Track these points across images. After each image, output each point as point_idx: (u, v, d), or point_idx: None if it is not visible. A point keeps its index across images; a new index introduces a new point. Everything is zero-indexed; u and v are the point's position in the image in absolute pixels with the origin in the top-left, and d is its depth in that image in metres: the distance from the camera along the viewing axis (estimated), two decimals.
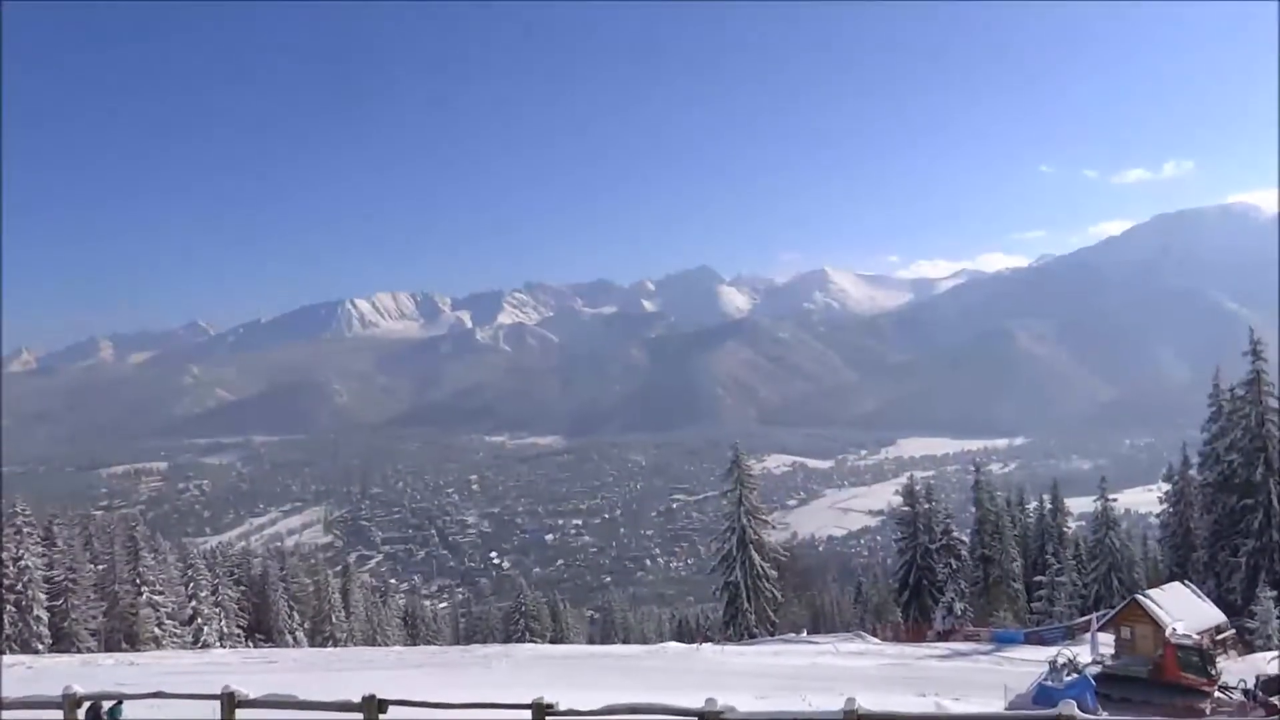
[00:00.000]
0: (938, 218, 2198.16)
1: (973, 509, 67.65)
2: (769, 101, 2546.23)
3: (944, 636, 55.25)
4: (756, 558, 63.16)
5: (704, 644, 54.67)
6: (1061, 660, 23.53)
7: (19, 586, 64.37)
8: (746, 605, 62.62)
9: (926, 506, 65.54)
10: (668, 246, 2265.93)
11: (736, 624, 63.00)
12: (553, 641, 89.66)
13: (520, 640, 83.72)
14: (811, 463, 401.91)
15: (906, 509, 66.28)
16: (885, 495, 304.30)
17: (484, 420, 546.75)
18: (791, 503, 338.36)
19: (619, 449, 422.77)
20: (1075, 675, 22.69)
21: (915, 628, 60.75)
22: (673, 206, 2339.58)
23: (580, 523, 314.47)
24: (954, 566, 61.62)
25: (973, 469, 73.79)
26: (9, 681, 33.53)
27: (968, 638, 52.66)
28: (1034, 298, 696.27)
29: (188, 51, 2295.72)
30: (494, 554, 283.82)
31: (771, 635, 60.43)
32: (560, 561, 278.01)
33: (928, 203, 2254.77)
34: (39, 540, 67.94)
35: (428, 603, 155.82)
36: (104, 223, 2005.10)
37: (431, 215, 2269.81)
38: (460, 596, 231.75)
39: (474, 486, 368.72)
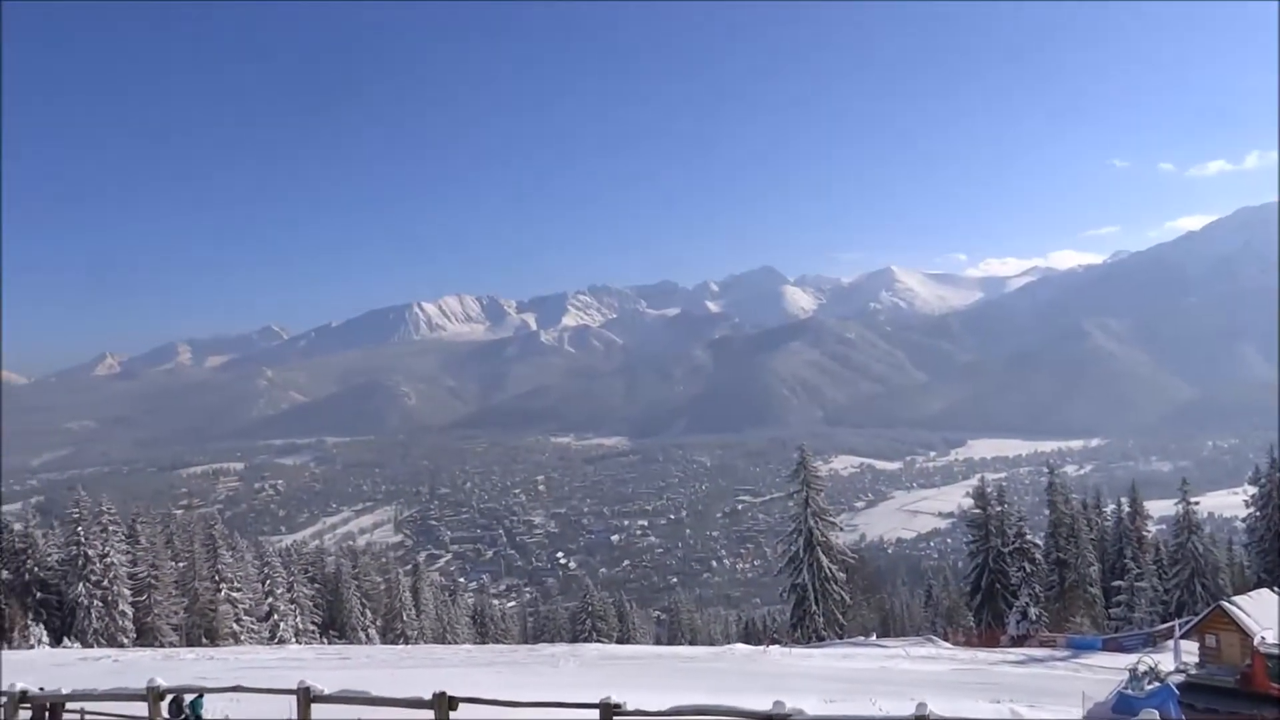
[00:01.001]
0: (1007, 215, 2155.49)
1: (1047, 512, 66.14)
2: (832, 101, 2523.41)
3: (1018, 642, 54.15)
4: (824, 560, 62.56)
5: (771, 646, 54.32)
6: (1143, 668, 22.82)
7: (105, 582, 66.70)
8: (814, 608, 62.07)
9: (998, 509, 64.23)
10: (731, 248, 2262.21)
11: (804, 626, 62.48)
12: (619, 642, 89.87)
13: (587, 640, 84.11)
14: (879, 464, 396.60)
15: (978, 511, 65.06)
16: (955, 497, 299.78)
17: (549, 421, 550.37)
18: (859, 505, 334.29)
19: (684, 450, 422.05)
20: (1158, 684, 21.98)
21: (988, 633, 59.58)
22: (736, 208, 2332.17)
23: (646, 523, 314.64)
24: (1028, 570, 60.25)
25: (1046, 471, 71.95)
26: (97, 674, 34.79)
27: (1043, 643, 51.53)
28: (1109, 295, 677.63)
29: (254, 64, 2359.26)
30: (560, 554, 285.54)
31: (840, 638, 59.83)
32: (626, 562, 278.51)
33: (997, 200, 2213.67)
34: (123, 538, 70.34)
35: (496, 602, 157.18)
36: (182, 230, 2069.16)
37: (496, 220, 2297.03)
38: (528, 596, 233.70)
39: (540, 487, 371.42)
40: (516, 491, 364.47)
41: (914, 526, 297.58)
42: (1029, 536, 62.63)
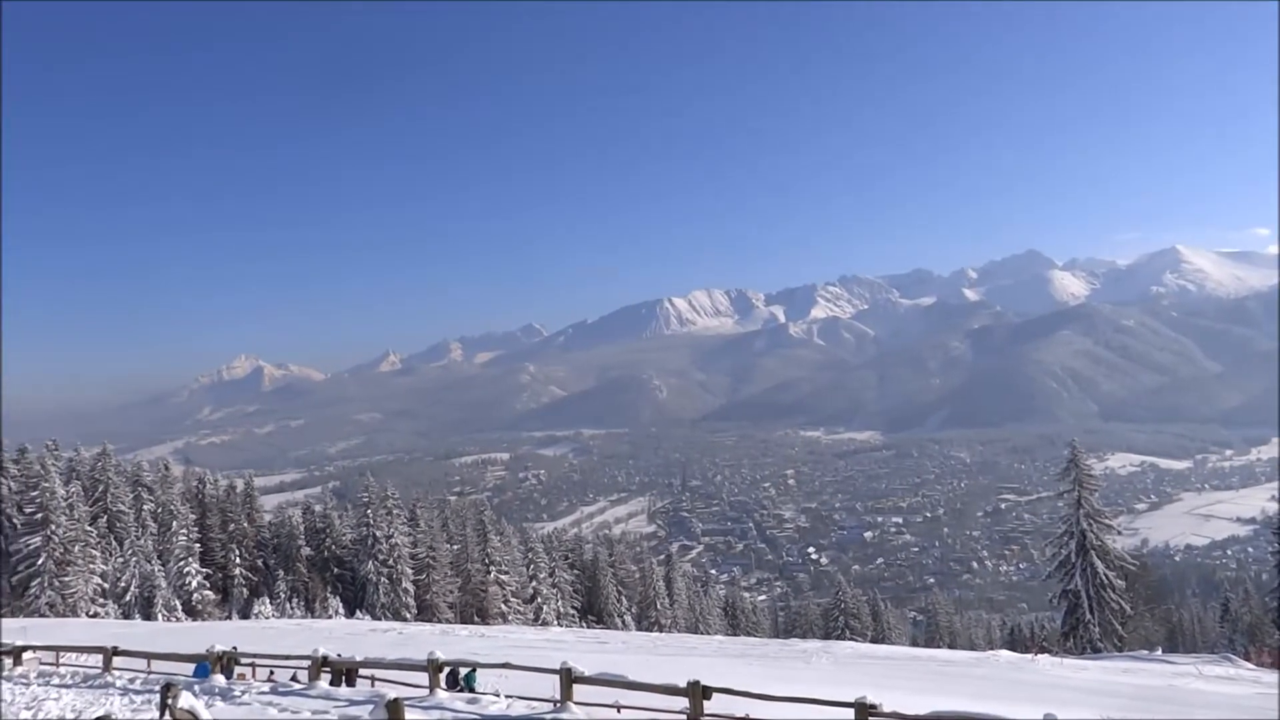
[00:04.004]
0: None
1: None
2: (1102, 69, 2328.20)
3: None
4: (1100, 565, 57.94)
5: (1040, 655, 51.07)
6: None
7: (390, 561, 73.20)
8: (1088, 616, 57.65)
9: None
10: (990, 232, 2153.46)
11: (1077, 636, 58.21)
12: (873, 641, 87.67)
13: (840, 637, 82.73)
14: (1164, 463, 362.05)
15: None
16: (1258, 501, 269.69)
17: (798, 415, 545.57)
18: (1140, 506, 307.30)
19: (940, 445, 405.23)
20: None
21: None
22: (995, 190, 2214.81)
23: (900, 521, 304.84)
24: None
25: None
26: (384, 644, 38.12)
27: None
28: None
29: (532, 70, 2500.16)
30: (811, 549, 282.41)
31: (1118, 651, 55.26)
32: (880, 560, 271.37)
33: None
34: (406, 521, 76.97)
35: (747, 595, 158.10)
36: (455, 235, 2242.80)
37: (745, 213, 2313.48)
38: (778, 590, 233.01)
39: (790, 481, 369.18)
40: (766, 485, 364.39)
41: (1206, 532, 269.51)
42: None
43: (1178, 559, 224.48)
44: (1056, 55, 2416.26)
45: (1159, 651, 56.09)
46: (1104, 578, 57.77)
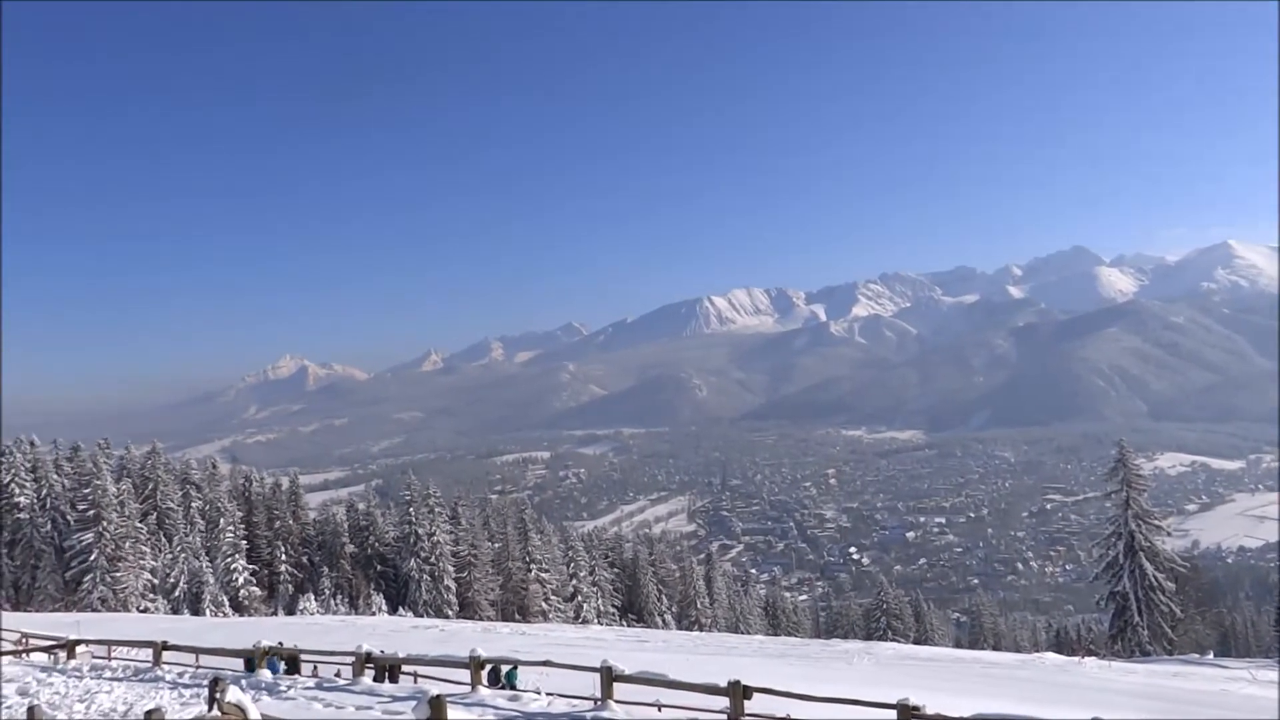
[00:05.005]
0: None
1: None
2: (1150, 61, 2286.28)
3: None
4: (1149, 567, 56.92)
5: (1087, 658, 50.30)
6: None
7: (432, 558, 73.88)
8: (1137, 619, 56.67)
9: None
10: (1035, 228, 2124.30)
11: (1125, 639, 57.25)
12: (916, 642, 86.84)
13: (882, 638, 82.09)
14: (1215, 463, 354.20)
15: None
16: None
17: (839, 414, 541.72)
18: (1190, 507, 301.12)
19: (984, 444, 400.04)
20: None
21: None
22: (1041, 186, 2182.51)
23: (943, 521, 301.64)
24: None
25: None
26: (426, 641, 38.47)
27: None
28: None
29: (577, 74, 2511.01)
30: (853, 549, 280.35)
31: (1168, 654, 54.26)
32: (922, 560, 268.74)
33: None
34: (447, 519, 77.62)
35: (787, 594, 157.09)
36: (495, 239, 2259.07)
37: (785, 211, 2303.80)
38: (819, 590, 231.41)
39: (831, 480, 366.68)
40: (807, 484, 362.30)
41: (1260, 534, 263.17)
42: None
43: (1230, 561, 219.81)
44: (1104, 49, 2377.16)
45: (1210, 655, 55.03)
46: (1153, 579, 56.76)
